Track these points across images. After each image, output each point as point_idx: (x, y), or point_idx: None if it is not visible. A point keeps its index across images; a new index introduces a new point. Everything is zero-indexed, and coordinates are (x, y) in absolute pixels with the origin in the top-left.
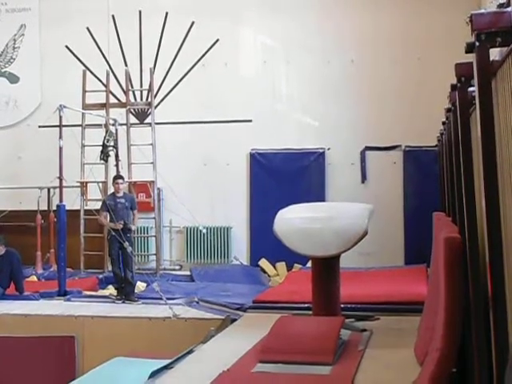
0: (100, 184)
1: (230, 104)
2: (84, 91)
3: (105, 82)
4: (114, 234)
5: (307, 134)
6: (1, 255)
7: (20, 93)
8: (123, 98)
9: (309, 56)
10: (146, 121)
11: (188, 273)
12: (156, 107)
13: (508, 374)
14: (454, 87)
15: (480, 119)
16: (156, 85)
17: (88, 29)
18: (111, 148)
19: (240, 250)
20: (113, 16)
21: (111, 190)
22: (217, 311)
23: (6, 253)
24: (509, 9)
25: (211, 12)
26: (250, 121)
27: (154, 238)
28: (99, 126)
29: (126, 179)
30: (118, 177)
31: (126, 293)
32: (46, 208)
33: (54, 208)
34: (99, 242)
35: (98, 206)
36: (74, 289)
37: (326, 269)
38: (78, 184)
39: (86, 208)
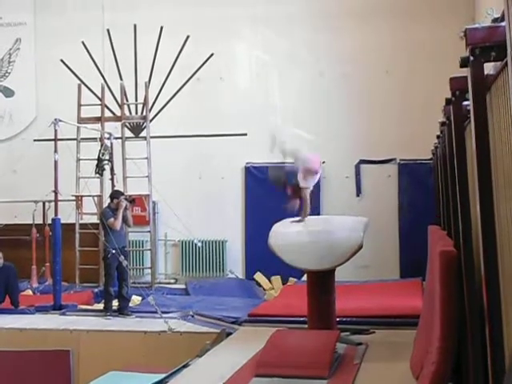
0: (95, 198)
1: (224, 118)
2: (79, 105)
3: (100, 95)
4: (113, 252)
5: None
6: None
7: (15, 106)
8: (118, 112)
9: (303, 70)
10: (141, 134)
11: (183, 286)
12: (151, 121)
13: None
14: (448, 101)
15: (475, 133)
16: (151, 99)
17: (83, 43)
18: (106, 162)
19: (235, 263)
20: (108, 30)
21: (106, 203)
22: (212, 325)
23: (2, 266)
24: (503, 23)
25: (206, 26)
26: (245, 134)
27: (149, 252)
28: (94, 139)
29: None
30: (122, 194)
31: (119, 307)
32: (41, 222)
33: (49, 222)
34: (94, 255)
35: (93, 219)
36: (69, 303)
37: (321, 282)
38: (73, 198)
39: (81, 222)
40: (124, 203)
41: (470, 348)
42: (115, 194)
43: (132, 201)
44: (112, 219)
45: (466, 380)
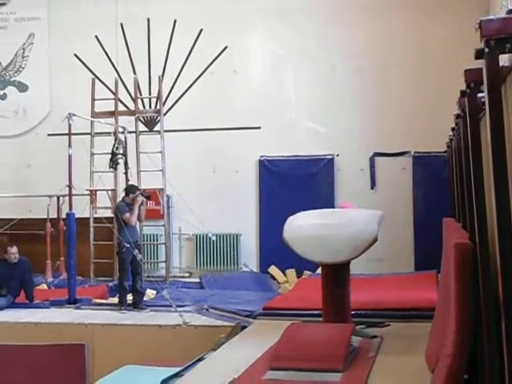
0: (109, 192)
1: (238, 111)
2: (93, 99)
3: (114, 90)
4: (128, 246)
5: (316, 141)
6: (13, 263)
7: (29, 101)
8: (132, 106)
9: (316, 63)
10: (154, 128)
11: (197, 280)
12: (165, 115)
13: None
14: (463, 93)
15: (490, 125)
16: (165, 92)
17: (97, 37)
18: (120, 156)
19: (249, 256)
20: (121, 24)
21: (120, 197)
22: (227, 318)
23: (18, 261)
24: None
25: (219, 20)
26: (259, 128)
27: (163, 246)
28: (108, 133)
29: None
30: (138, 189)
31: (134, 301)
32: (55, 216)
33: (64, 216)
34: (109, 249)
35: (107, 213)
36: (84, 297)
37: (336, 275)
38: (88, 192)
39: (95, 216)
40: (140, 199)
41: (485, 340)
42: (131, 189)
43: (148, 197)
44: (128, 214)
45: (482, 373)
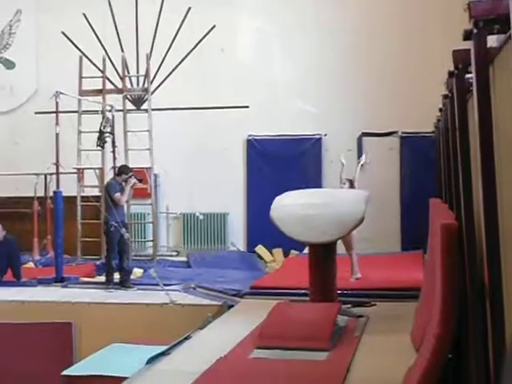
0: (97, 170)
1: (226, 90)
2: (80, 77)
3: (101, 67)
4: (116, 225)
5: (304, 120)
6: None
7: (16, 79)
8: (120, 84)
9: (306, 42)
10: (142, 107)
11: (185, 259)
12: (153, 93)
13: (506, 369)
14: (451, 74)
15: (477, 106)
16: (152, 71)
17: (84, 15)
18: (108, 134)
19: (237, 236)
20: (109, 1)
21: (109, 176)
22: (214, 297)
23: (4, 239)
24: None
25: None
26: (247, 107)
27: (150, 225)
28: (96, 112)
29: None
30: (131, 170)
31: (121, 280)
32: (42, 194)
33: (51, 194)
34: (96, 228)
35: (94, 192)
36: (71, 275)
37: (323, 255)
38: (75, 170)
39: (82, 194)
40: (133, 181)
41: (470, 321)
42: (124, 169)
43: (141, 180)
44: (118, 194)
45: (466, 353)
